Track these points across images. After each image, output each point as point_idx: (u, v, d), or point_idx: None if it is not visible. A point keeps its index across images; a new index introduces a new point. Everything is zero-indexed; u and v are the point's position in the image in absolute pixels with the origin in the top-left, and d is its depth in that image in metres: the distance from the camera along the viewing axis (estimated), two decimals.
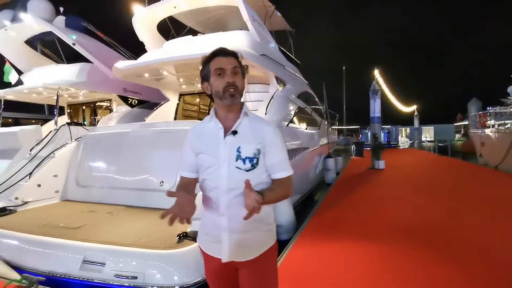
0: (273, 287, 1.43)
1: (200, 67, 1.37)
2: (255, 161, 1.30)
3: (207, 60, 1.34)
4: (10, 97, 7.51)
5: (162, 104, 6.95)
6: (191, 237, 2.60)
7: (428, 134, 35.85)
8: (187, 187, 1.40)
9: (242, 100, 1.36)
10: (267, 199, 1.23)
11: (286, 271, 2.89)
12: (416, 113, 31.18)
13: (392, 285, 2.63)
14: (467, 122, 20.44)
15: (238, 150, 1.28)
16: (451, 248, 3.40)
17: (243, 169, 1.28)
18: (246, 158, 1.28)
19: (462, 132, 33.55)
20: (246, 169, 1.28)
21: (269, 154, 1.33)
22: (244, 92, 1.40)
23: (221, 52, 1.32)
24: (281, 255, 3.23)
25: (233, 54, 1.34)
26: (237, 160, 1.28)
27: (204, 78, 1.36)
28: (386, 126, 32.18)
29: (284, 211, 4.30)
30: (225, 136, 1.31)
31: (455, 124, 36.43)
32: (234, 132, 1.30)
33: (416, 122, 30.93)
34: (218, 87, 1.29)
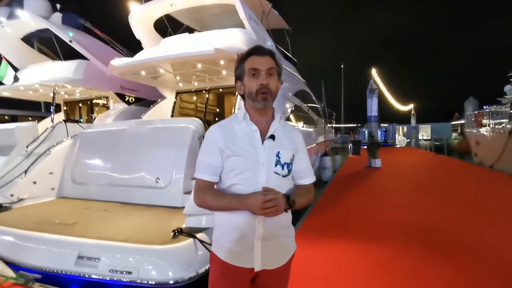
0: None
1: (235, 65, 1.32)
2: (290, 166, 1.29)
3: (242, 58, 1.29)
4: (5, 94, 7.47)
5: (159, 102, 6.95)
6: (186, 233, 2.62)
7: (425, 132, 36.01)
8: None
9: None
10: (298, 203, 1.24)
11: None
12: (413, 112, 31.35)
13: (387, 286, 2.65)
14: (464, 121, 20.56)
15: (277, 156, 1.25)
16: (446, 247, 3.44)
17: (281, 175, 1.26)
18: (285, 163, 1.26)
19: (458, 131, 33.78)
20: (284, 174, 1.26)
21: (298, 160, 1.33)
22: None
23: (257, 51, 1.27)
24: None
25: (269, 53, 1.28)
26: (276, 165, 1.24)
27: (238, 77, 1.31)
28: (384, 125, 32.34)
29: None
30: (261, 139, 1.26)
31: (452, 123, 36.65)
32: (273, 137, 1.26)
33: (413, 121, 31.14)
34: (251, 88, 1.25)
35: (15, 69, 7.21)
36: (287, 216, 1.32)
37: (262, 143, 1.25)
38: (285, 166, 1.27)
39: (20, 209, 3.89)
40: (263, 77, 1.24)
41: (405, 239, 3.69)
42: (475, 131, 12.16)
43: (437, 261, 3.06)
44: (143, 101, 8.02)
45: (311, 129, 7.75)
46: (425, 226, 4.17)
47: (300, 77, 8.61)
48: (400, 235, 3.85)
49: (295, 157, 1.32)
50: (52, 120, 6.41)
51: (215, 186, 1.33)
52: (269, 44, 6.67)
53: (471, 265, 2.97)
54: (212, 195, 1.27)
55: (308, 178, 1.37)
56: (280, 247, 1.31)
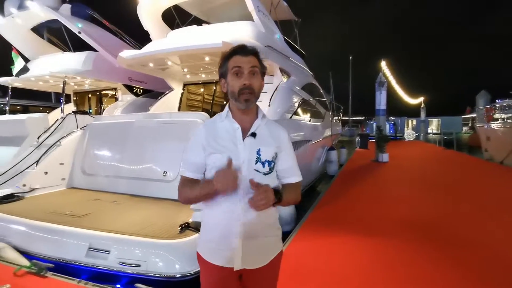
0: None
1: (219, 63, 1.33)
2: (272, 164, 1.30)
3: (226, 57, 1.29)
4: (17, 84, 7.60)
5: (167, 93, 6.98)
6: (193, 227, 2.67)
7: (434, 126, 35.52)
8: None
9: None
10: (285, 199, 1.26)
11: (285, 264, 2.93)
12: (423, 105, 30.79)
13: (390, 281, 2.67)
14: (475, 115, 20.15)
15: (258, 153, 1.26)
16: (450, 244, 3.43)
17: (262, 172, 1.26)
18: (266, 161, 1.27)
19: (469, 125, 33.19)
20: (265, 172, 1.27)
21: (283, 159, 1.34)
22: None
23: (241, 51, 1.27)
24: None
25: (253, 53, 1.28)
26: (256, 162, 1.25)
27: (222, 75, 1.32)
28: (392, 118, 31.94)
29: None
30: (243, 136, 1.28)
31: (462, 116, 36.01)
32: (254, 134, 1.27)
33: (422, 114, 30.60)
34: (234, 88, 1.25)
35: (26, 60, 7.31)
36: (272, 215, 1.33)
37: (244, 140, 1.27)
38: (266, 163, 1.27)
39: (32, 198, 4.00)
40: (246, 76, 1.24)
41: (410, 235, 3.69)
42: (486, 126, 11.92)
43: (440, 257, 3.06)
44: (151, 92, 8.07)
45: (318, 123, 7.71)
46: (431, 222, 4.16)
47: (308, 70, 8.53)
48: (404, 230, 3.85)
49: (279, 156, 1.32)
50: (62, 111, 6.53)
51: None
52: (277, 36, 6.60)
53: (477, 262, 2.97)
54: (188, 188, 1.30)
55: (293, 177, 1.37)
56: (262, 246, 1.31)
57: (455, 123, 33.01)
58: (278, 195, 1.23)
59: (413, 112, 39.84)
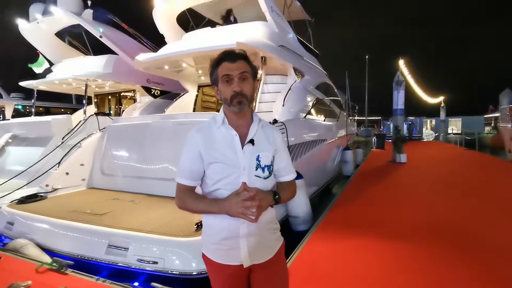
0: (287, 282, 1.47)
1: (210, 71, 1.34)
2: (271, 168, 1.33)
3: (215, 64, 1.30)
4: (42, 87, 7.92)
5: (182, 95, 7.10)
6: None
7: (455, 126, 34.35)
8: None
9: (260, 91, 1.34)
10: (283, 198, 1.32)
11: (300, 266, 2.92)
12: (442, 104, 29.85)
13: (407, 285, 2.61)
14: (498, 114, 19.34)
15: (257, 159, 1.28)
16: (472, 249, 3.31)
17: (262, 177, 1.29)
18: (265, 166, 1.29)
19: (492, 124, 31.93)
20: (265, 176, 1.30)
21: (279, 159, 1.37)
22: (255, 96, 1.36)
23: (228, 57, 1.27)
24: (296, 249, 3.28)
25: (241, 57, 1.28)
26: (257, 169, 1.27)
27: (214, 82, 1.33)
28: (411, 118, 31.12)
29: (301, 202, 4.37)
30: (241, 143, 1.28)
31: (485, 116, 34.67)
32: (252, 141, 1.28)
33: (442, 114, 29.66)
34: (226, 95, 1.27)
35: (50, 64, 7.62)
36: (271, 212, 1.36)
37: (242, 147, 1.27)
38: (266, 168, 1.30)
39: (54, 198, 4.17)
40: (236, 83, 1.25)
41: (429, 239, 3.59)
42: (510, 125, 11.46)
43: (461, 263, 2.97)
44: (168, 94, 8.23)
45: (332, 123, 7.64)
46: (450, 225, 4.04)
47: (322, 69, 8.47)
48: (424, 235, 3.75)
49: (275, 157, 1.35)
50: (84, 112, 6.76)
51: (199, 188, 1.37)
52: (291, 36, 6.59)
53: (499, 266, 2.86)
54: (192, 199, 1.31)
55: (289, 175, 1.41)
56: (265, 241, 1.35)
57: (476, 123, 31.77)
58: (276, 197, 1.28)
59: (432, 111, 38.64)
